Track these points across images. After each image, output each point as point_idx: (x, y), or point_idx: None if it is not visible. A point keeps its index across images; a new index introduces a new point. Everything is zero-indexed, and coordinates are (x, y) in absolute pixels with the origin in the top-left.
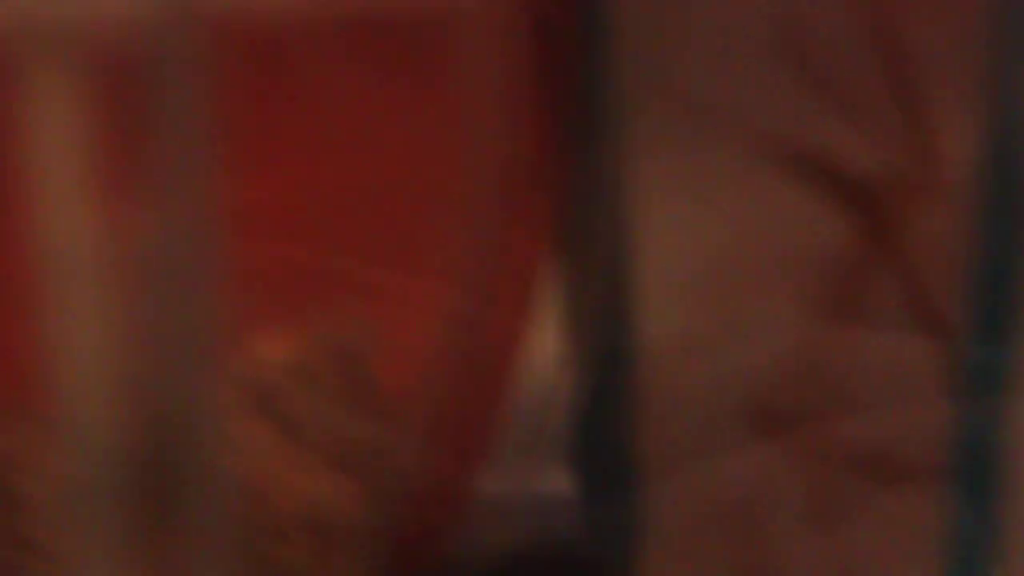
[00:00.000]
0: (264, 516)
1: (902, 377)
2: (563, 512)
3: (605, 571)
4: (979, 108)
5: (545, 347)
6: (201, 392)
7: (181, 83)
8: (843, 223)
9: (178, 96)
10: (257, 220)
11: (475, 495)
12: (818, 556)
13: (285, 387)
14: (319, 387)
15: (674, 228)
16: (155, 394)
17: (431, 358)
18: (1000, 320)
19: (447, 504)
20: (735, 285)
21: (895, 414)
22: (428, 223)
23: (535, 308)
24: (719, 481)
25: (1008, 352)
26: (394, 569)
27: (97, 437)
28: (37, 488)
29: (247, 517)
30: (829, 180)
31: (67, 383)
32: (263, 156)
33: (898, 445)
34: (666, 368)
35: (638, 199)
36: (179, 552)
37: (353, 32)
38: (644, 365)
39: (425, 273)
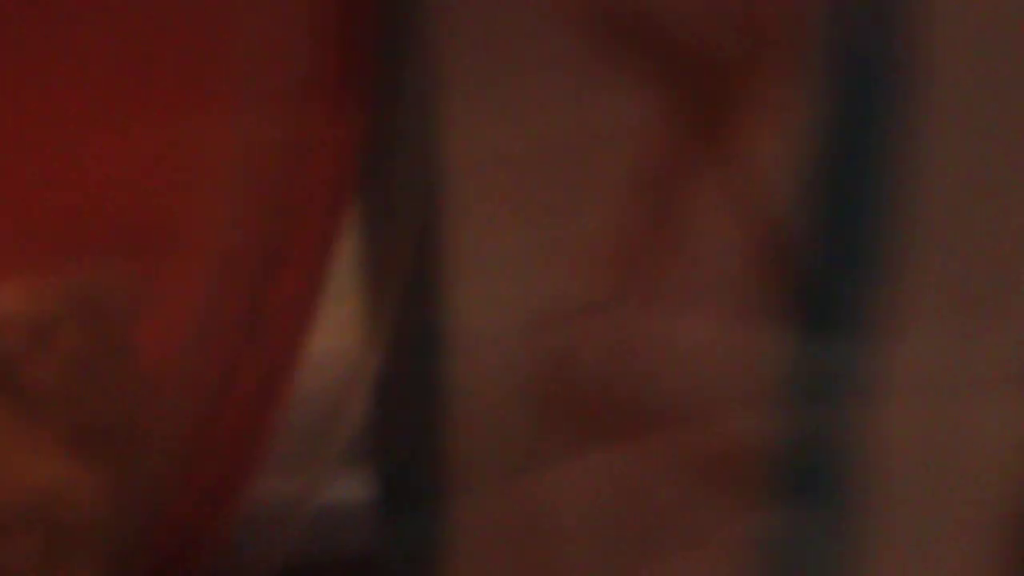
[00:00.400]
0: None
1: (734, 370)
2: (353, 522)
3: None
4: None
5: (340, 328)
6: None
7: None
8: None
9: None
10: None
11: (248, 499)
12: None
13: (17, 348)
14: (59, 350)
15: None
16: None
17: (201, 327)
18: (857, 305)
19: (212, 506)
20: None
21: (728, 415)
22: (205, 163)
23: (329, 275)
24: (532, 494)
25: (864, 348)
26: (145, 574)
27: None
28: None
29: None
30: (648, 51)
31: None
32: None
33: (731, 451)
34: (479, 354)
35: (448, 137)
36: None
37: None
38: (455, 352)
39: (199, 225)
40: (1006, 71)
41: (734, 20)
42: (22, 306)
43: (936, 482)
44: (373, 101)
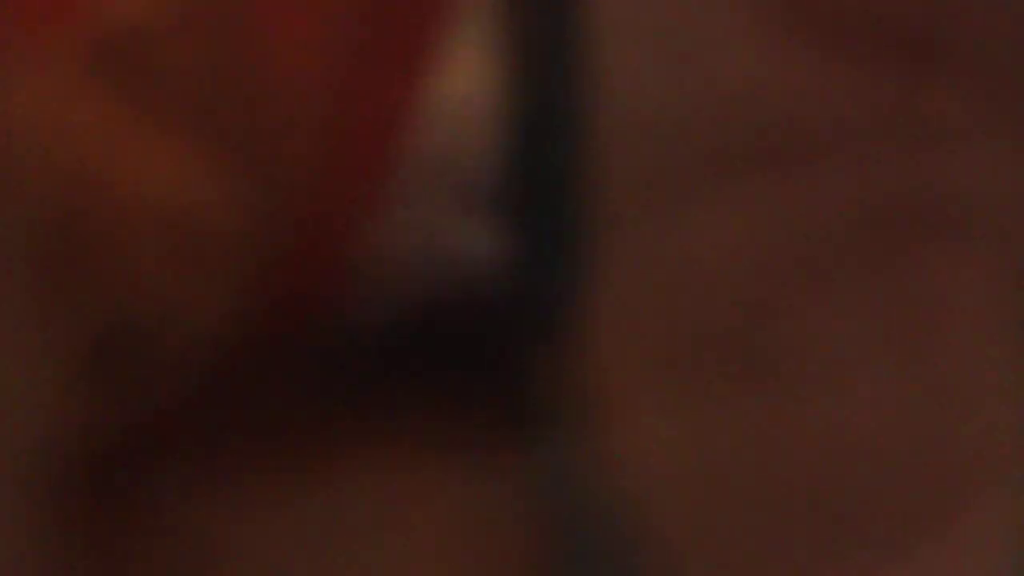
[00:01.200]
0: (100, 214)
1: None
2: (490, 270)
3: (539, 336)
4: None
5: (472, 65)
6: None
7: None
8: None
9: None
10: None
11: (378, 235)
12: (826, 332)
13: (135, 44)
14: (179, 47)
15: None
16: None
17: (330, 41)
18: None
19: (344, 227)
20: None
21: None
22: None
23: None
24: (688, 235)
25: None
26: (275, 299)
27: None
28: None
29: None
30: None
31: None
32: None
33: (918, 195)
34: (623, 93)
35: None
36: None
37: None
38: (596, 90)
39: None
40: None
41: None
42: (153, 15)
43: None
44: None
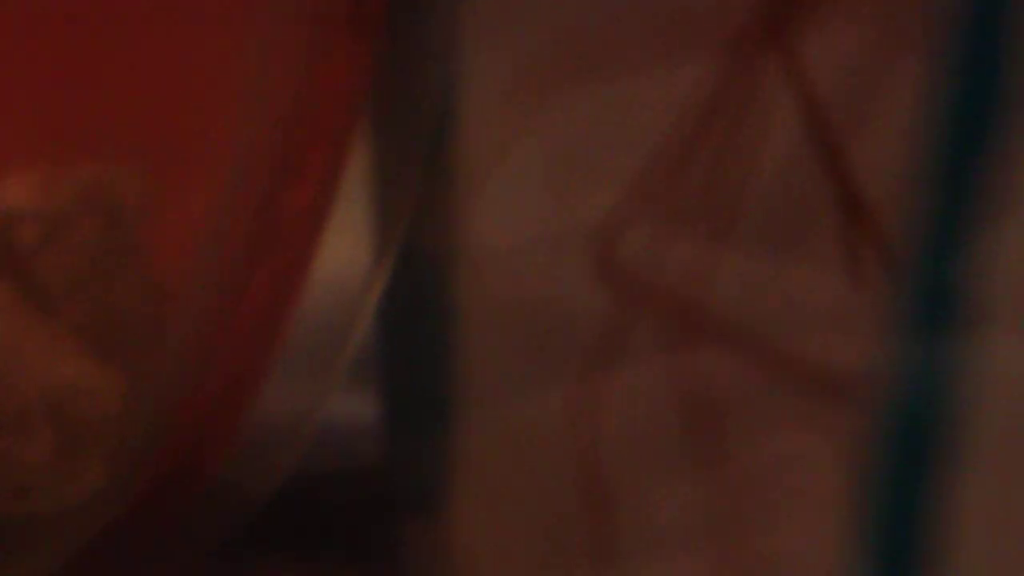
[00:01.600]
0: None
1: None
2: (361, 440)
3: (407, 508)
4: None
5: (349, 243)
6: None
7: None
8: None
9: None
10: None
11: (256, 408)
12: (684, 503)
13: (31, 241)
14: (72, 245)
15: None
16: None
17: (214, 232)
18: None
19: (221, 411)
20: (581, 177)
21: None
22: (221, 74)
23: (340, 190)
24: (552, 412)
25: (964, 269)
26: (154, 476)
27: None
28: None
29: None
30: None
31: None
32: None
33: (798, 379)
34: (495, 273)
35: (465, 47)
36: None
37: None
38: (469, 268)
39: (212, 133)
40: None
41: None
42: (36, 200)
43: None
44: (388, 14)
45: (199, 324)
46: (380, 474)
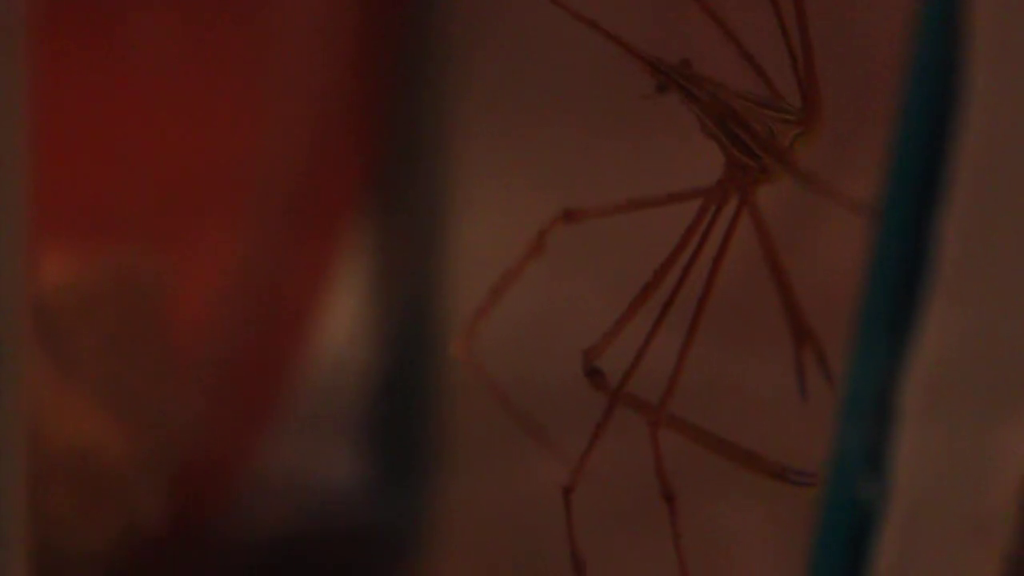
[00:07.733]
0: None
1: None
2: (349, 497)
3: (390, 561)
4: None
5: (345, 317)
6: None
7: None
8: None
9: None
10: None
11: (256, 468)
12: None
13: (63, 318)
14: (99, 317)
15: (495, 201)
16: None
17: (223, 310)
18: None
19: (226, 470)
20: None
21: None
22: (227, 170)
23: (338, 270)
24: (525, 478)
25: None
26: (161, 529)
27: None
28: None
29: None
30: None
31: None
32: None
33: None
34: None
35: (460, 160)
36: None
37: None
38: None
39: (222, 221)
40: None
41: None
42: (71, 278)
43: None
44: (388, 108)
45: (208, 390)
46: (365, 533)
